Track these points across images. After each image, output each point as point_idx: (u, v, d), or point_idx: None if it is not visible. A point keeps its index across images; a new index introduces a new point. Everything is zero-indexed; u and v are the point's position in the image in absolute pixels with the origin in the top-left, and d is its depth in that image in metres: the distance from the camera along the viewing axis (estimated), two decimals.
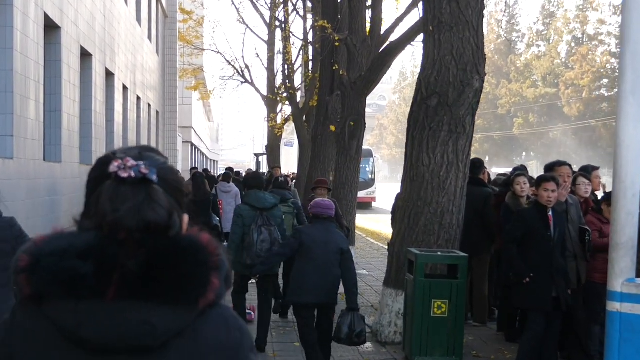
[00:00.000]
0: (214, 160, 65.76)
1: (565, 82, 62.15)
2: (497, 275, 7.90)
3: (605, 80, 61.79)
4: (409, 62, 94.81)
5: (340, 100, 12.56)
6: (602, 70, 61.05)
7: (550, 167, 6.81)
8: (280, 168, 17.33)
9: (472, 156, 7.52)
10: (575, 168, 10.19)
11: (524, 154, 78.40)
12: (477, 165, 7.98)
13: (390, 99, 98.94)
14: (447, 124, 7.02)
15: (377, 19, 12.63)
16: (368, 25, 12.96)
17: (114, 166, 1.30)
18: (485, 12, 7.01)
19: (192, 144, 38.39)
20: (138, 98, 17.32)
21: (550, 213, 5.72)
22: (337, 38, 15.40)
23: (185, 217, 1.37)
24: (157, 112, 21.95)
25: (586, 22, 63.65)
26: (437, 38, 7.05)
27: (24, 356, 1.28)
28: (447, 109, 7.00)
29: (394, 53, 11.78)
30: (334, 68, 15.99)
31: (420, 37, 12.30)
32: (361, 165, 34.45)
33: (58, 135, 9.50)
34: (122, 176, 1.29)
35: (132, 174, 1.29)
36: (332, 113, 12.42)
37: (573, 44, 65.85)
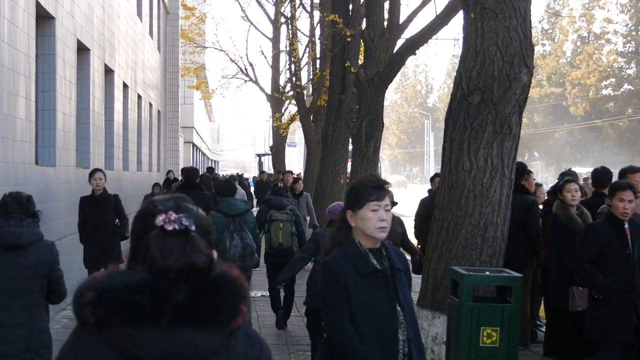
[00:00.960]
0: (215, 161, 64.96)
1: (572, 81, 61.32)
2: (546, 293, 7.07)
3: (612, 80, 60.95)
4: (411, 62, 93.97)
5: (355, 98, 11.72)
6: (608, 70, 60.20)
7: (622, 173, 5.98)
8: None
9: None
10: (579, 169, 9.35)
11: (527, 154, 77.63)
12: (519, 170, 7.14)
13: (391, 98, 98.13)
14: (491, 124, 6.18)
15: (395, 12, 11.80)
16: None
17: (159, 220, 1.58)
18: None
19: (194, 145, 37.56)
20: (139, 97, 16.50)
21: (626, 226, 4.90)
22: (349, 33, 14.61)
23: (215, 253, 1.63)
24: (159, 112, 21.13)
25: (592, 20, 62.80)
26: (479, 26, 6.21)
27: None
28: (491, 106, 6.16)
29: (414, 48, 10.95)
30: (346, 65, 15.21)
31: (440, 33, 11.52)
32: None
33: (52, 136, 8.66)
34: (168, 229, 1.57)
35: (176, 227, 1.57)
36: (347, 112, 11.58)
37: (579, 43, 65.06)
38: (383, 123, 11.26)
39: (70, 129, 9.50)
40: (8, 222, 4.18)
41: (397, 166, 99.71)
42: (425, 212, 8.81)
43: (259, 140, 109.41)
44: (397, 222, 7.12)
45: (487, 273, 5.60)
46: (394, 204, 7.11)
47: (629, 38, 60.11)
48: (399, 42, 12.11)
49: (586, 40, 64.13)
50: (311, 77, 21.51)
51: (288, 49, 22.05)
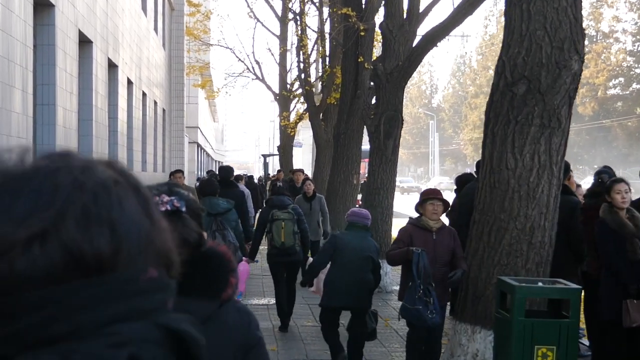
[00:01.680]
0: (218, 162, 64.39)
1: (580, 80, 60.60)
2: (595, 307, 6.44)
3: (621, 79, 60.22)
4: None
5: (372, 93, 11.11)
6: (617, 69, 59.48)
7: None
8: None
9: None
10: (588, 169, 8.69)
11: None
12: (564, 169, 6.51)
13: None
14: (538, 117, 5.55)
15: (414, 2, 11.17)
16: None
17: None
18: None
19: (198, 145, 36.97)
20: (144, 94, 15.90)
21: None
22: (362, 27, 14.02)
23: (204, 233, 1.84)
24: (164, 110, 20.54)
25: (600, 19, 62.10)
26: (525, 8, 5.59)
27: None
28: (538, 97, 5.53)
29: (436, 40, 10.33)
30: (359, 60, 14.61)
31: (462, 24, 10.89)
32: None
33: (51, 132, 8.05)
34: (161, 210, 1.55)
35: (168, 208, 1.71)
36: (364, 108, 10.96)
37: (586, 42, 64.29)
38: (403, 120, 10.64)
39: (72, 126, 8.90)
40: None
41: (402, 167, 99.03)
42: (460, 217, 8.20)
43: (263, 141, 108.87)
44: (448, 232, 5.96)
45: (540, 284, 4.97)
46: (446, 205, 5.99)
47: (638, 37, 59.39)
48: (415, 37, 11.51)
49: (594, 39, 63.45)
50: (320, 74, 20.90)
51: (296, 45, 21.44)
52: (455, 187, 8.71)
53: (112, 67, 11.89)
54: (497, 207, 5.63)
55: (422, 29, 10.12)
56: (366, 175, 13.93)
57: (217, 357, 1.73)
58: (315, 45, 21.91)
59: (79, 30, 9.31)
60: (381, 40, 10.87)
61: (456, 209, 8.14)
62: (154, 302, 0.65)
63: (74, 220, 0.61)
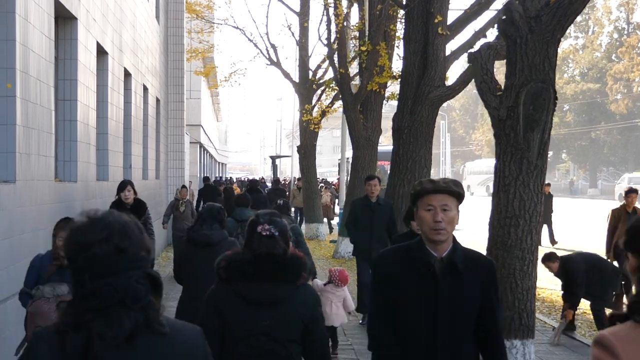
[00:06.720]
0: (222, 164, 59.90)
1: (613, 75, 56.01)
2: None
3: None
4: None
5: (494, 56, 6.68)
6: None
7: None
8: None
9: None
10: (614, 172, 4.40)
11: (551, 153, 72.19)
12: None
13: None
14: None
15: None
16: None
17: (259, 229, 3.17)
18: None
19: (201, 145, 32.50)
20: (127, 73, 11.47)
21: None
22: None
23: (291, 246, 3.29)
24: (158, 101, 16.10)
25: (633, 9, 57.59)
26: None
27: (232, 310, 3.14)
28: None
29: None
30: (436, 21, 10.31)
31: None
32: None
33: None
34: (263, 234, 3.15)
35: (268, 233, 3.15)
36: (482, 80, 6.46)
37: (615, 35, 59.84)
38: (556, 97, 6.17)
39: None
40: (202, 227, 5.60)
41: None
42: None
43: (269, 142, 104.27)
44: None
45: None
46: None
47: None
48: None
49: (624, 32, 58.98)
50: (356, 53, 16.38)
51: (326, 16, 16.93)
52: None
53: (66, 19, 7.46)
54: None
55: None
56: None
57: (289, 324, 3.13)
58: (346, 22, 17.46)
59: None
60: None
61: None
62: (145, 264, 1.81)
63: (117, 235, 1.80)
